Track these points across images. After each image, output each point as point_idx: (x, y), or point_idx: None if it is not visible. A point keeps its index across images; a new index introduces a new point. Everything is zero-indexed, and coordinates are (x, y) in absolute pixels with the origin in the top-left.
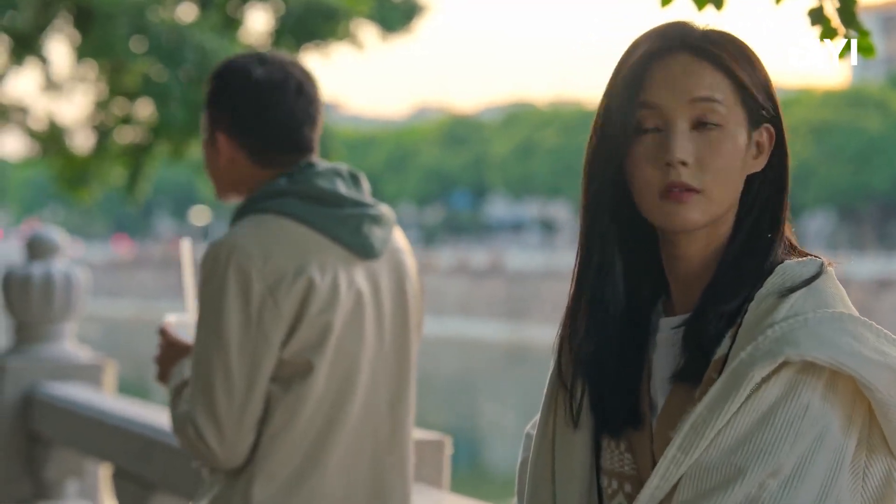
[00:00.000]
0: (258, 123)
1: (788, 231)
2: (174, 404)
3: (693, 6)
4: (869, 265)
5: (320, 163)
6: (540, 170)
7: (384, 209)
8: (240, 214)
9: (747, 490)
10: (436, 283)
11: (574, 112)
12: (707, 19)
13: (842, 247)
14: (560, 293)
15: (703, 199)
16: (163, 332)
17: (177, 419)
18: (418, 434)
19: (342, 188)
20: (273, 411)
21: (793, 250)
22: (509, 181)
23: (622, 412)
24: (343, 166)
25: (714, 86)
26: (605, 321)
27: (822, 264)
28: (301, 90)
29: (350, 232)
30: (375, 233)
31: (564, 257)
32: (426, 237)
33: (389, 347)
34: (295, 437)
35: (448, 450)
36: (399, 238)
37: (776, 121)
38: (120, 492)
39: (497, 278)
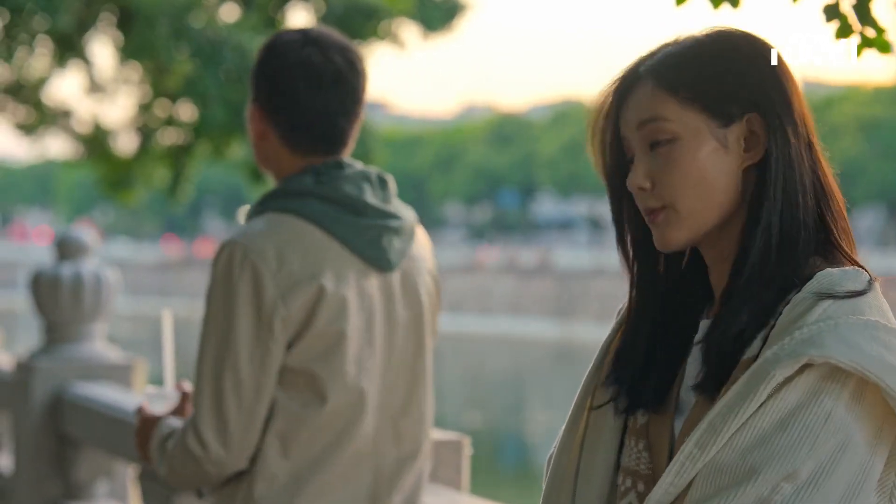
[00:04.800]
0: (289, 107)
1: (844, 231)
2: (162, 451)
3: (709, 5)
4: None
5: (350, 164)
6: (588, 168)
7: (407, 217)
8: (259, 209)
9: (759, 491)
10: (484, 282)
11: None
12: (717, 20)
13: (892, 243)
14: (608, 291)
15: (672, 214)
16: (139, 412)
17: (173, 452)
18: (437, 435)
19: (369, 195)
20: (277, 416)
21: (839, 251)
22: (557, 180)
23: (650, 405)
24: (372, 170)
25: (655, 104)
26: (645, 320)
27: (869, 280)
28: (339, 79)
29: (369, 243)
30: (394, 245)
31: (613, 256)
32: (474, 236)
33: (401, 358)
34: (300, 444)
35: (467, 450)
36: (419, 243)
37: (768, 108)
38: (146, 493)
39: (545, 277)
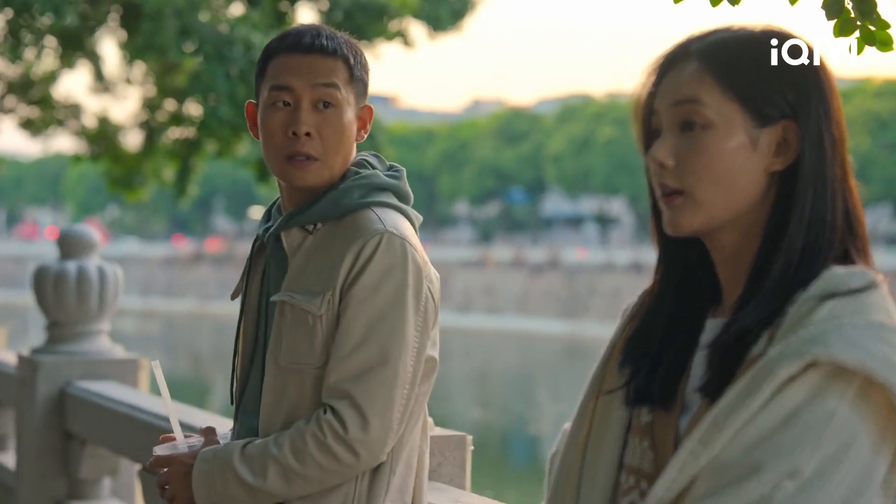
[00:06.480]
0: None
1: (863, 251)
2: (250, 462)
3: (707, 2)
4: None
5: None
6: (597, 165)
7: None
8: (345, 206)
9: (762, 489)
10: (493, 279)
11: (631, 104)
12: (736, 17)
13: None
14: (617, 288)
15: (689, 201)
16: (158, 461)
17: (298, 451)
18: (439, 431)
19: None
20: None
21: (858, 257)
22: (566, 177)
23: (656, 401)
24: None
25: (699, 86)
26: (656, 319)
27: (873, 278)
28: None
29: (419, 230)
30: None
31: (621, 252)
32: (483, 233)
33: None
34: (412, 435)
35: (470, 447)
36: None
37: (807, 119)
38: (147, 488)
39: (554, 274)
